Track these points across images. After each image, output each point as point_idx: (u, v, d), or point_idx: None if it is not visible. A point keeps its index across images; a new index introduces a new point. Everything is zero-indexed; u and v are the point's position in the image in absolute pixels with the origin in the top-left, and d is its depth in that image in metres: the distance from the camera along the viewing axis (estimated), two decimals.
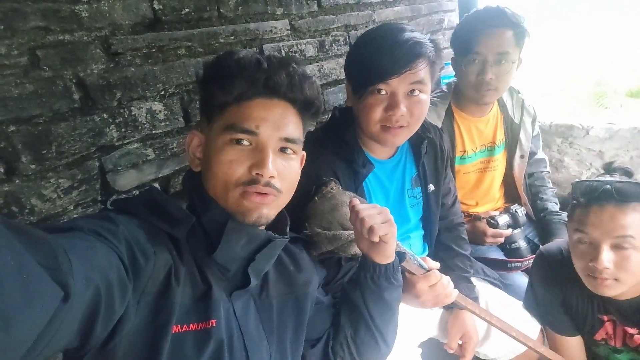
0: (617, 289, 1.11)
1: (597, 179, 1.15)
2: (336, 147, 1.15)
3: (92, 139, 1.06)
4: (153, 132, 1.19)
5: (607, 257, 1.07)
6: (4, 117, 0.91)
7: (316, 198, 1.03)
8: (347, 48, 1.87)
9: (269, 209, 0.77)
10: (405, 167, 1.29)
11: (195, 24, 1.26)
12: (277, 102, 0.79)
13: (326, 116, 1.62)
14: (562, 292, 1.30)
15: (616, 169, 1.21)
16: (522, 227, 1.65)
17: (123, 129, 1.12)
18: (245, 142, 0.75)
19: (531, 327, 1.35)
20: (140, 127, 1.16)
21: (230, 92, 0.76)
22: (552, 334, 1.35)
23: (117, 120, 1.10)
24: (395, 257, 0.93)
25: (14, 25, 0.91)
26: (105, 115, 1.08)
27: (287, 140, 0.78)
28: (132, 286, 0.62)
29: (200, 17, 1.27)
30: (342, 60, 1.88)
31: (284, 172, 0.78)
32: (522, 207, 1.67)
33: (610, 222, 1.06)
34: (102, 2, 1.05)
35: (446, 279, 1.08)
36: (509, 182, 1.81)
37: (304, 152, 0.89)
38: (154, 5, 1.16)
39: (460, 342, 1.31)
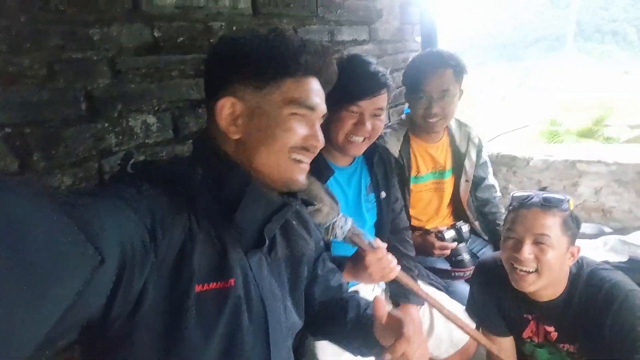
0: (536, 284, 1.32)
1: (529, 191, 1.40)
2: None
3: (94, 143, 1.22)
4: (146, 141, 1.36)
5: (528, 249, 1.30)
6: (22, 119, 1.07)
7: None
8: None
9: (305, 177, 0.88)
10: (361, 175, 1.53)
11: (188, 51, 1.45)
12: (316, 79, 0.87)
13: None
14: (496, 296, 1.51)
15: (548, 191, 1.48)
16: (466, 242, 1.88)
17: (121, 137, 1.28)
18: (302, 115, 0.84)
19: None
20: (135, 136, 1.33)
21: (296, 65, 0.82)
22: (489, 336, 1.54)
23: (116, 129, 1.27)
24: None
25: (37, 42, 1.08)
26: (106, 124, 1.24)
27: (324, 116, 0.90)
28: (153, 250, 0.65)
29: (193, 45, 1.47)
30: None
31: (322, 140, 0.89)
32: (467, 225, 1.90)
33: (533, 221, 1.30)
34: (112, 27, 1.23)
35: (391, 256, 1.27)
36: (456, 203, 2.06)
37: None
38: (155, 33, 1.35)
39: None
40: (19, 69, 1.06)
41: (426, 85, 1.76)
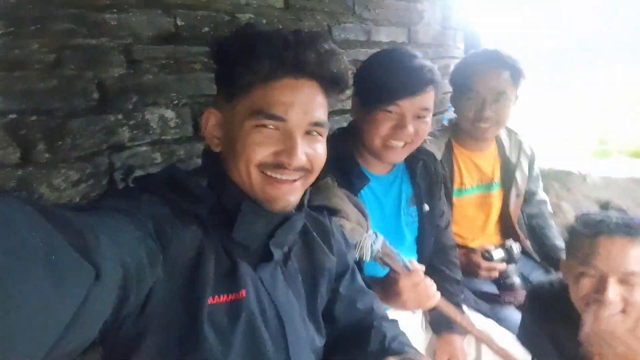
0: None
1: (602, 212, 1.15)
2: (333, 158, 1.19)
3: (104, 136, 1.12)
4: (162, 137, 1.25)
5: (614, 290, 1.04)
6: (27, 107, 0.98)
7: (310, 187, 1.07)
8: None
9: (296, 195, 0.77)
10: (401, 185, 1.33)
11: (211, 42, 1.35)
12: (304, 82, 0.74)
13: None
14: (552, 329, 1.29)
15: (613, 207, 1.24)
16: (516, 263, 1.66)
17: (135, 131, 1.18)
18: (271, 127, 0.72)
19: (522, 355, 1.33)
20: (151, 132, 1.22)
21: (257, 71, 0.71)
22: None
23: (130, 123, 1.17)
24: None
25: (45, 25, 1.00)
26: (119, 116, 1.14)
27: (316, 124, 0.75)
28: (162, 257, 0.62)
29: (218, 37, 1.36)
30: (349, 92, 1.96)
31: (313, 155, 0.76)
32: (517, 244, 1.68)
33: (619, 254, 1.04)
34: (130, 13, 1.14)
35: (430, 281, 1.08)
36: (505, 219, 1.83)
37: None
38: (177, 22, 1.25)
39: None
40: (24, 54, 0.98)
41: (480, 85, 1.55)
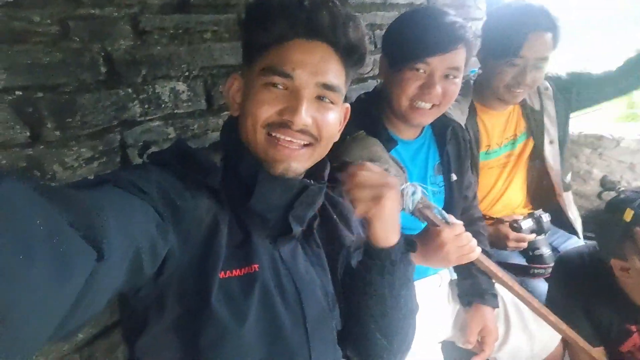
0: None
1: (627, 193, 1.11)
2: (361, 122, 1.13)
3: (115, 112, 1.07)
4: (175, 111, 1.21)
5: None
6: (32, 83, 0.94)
7: (348, 137, 1.04)
8: (371, 47, 1.87)
9: (298, 162, 0.74)
10: (428, 152, 1.27)
11: (223, 10, 1.28)
12: (317, 44, 0.73)
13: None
14: (584, 299, 1.25)
15: (612, 182, 1.17)
16: (546, 234, 1.59)
17: (146, 106, 1.14)
18: (280, 86, 0.71)
19: (552, 334, 1.29)
20: (162, 106, 1.17)
21: (270, 31, 0.72)
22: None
23: (140, 97, 1.12)
24: (397, 244, 0.82)
25: None
26: (129, 90, 1.10)
27: (325, 86, 0.73)
28: (173, 228, 0.61)
29: (228, 3, 1.29)
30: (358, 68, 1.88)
31: (322, 120, 0.74)
32: (547, 214, 1.61)
33: None
34: None
35: (469, 234, 1.03)
36: (540, 178, 1.73)
37: (347, 105, 0.84)
38: None
39: (479, 338, 1.26)
40: (27, 26, 0.92)
41: (525, 49, 1.40)
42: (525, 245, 1.55)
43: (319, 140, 0.75)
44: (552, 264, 1.53)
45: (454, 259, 1.01)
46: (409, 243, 0.95)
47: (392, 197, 0.80)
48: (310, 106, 0.72)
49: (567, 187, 1.76)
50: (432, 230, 1.02)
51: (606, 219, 1.22)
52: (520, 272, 1.55)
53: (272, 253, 0.76)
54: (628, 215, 1.10)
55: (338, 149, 0.98)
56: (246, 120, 0.73)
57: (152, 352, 0.70)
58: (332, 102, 0.75)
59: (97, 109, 1.04)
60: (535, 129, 1.67)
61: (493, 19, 1.56)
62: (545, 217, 1.58)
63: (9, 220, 0.35)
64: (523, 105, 1.66)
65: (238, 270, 0.70)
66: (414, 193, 1.00)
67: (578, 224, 1.79)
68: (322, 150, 0.78)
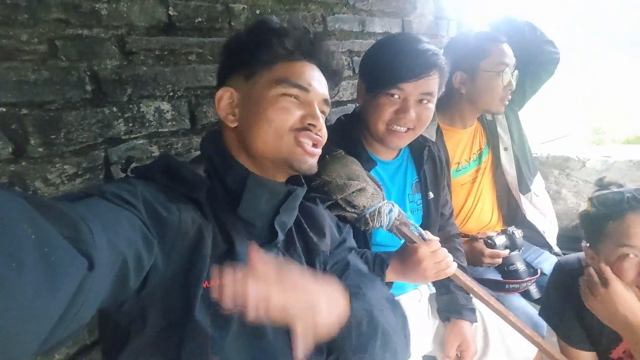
0: None
1: (614, 190, 1.14)
2: (342, 143, 1.18)
3: (100, 130, 1.09)
4: (159, 130, 1.23)
5: None
6: (19, 99, 0.95)
7: (327, 156, 1.08)
8: (350, 72, 1.95)
9: (315, 160, 0.84)
10: (406, 172, 1.32)
11: (207, 33, 1.32)
12: (316, 67, 0.87)
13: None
14: (578, 304, 1.26)
15: (610, 183, 1.22)
16: (519, 250, 1.65)
17: (130, 124, 1.15)
18: (294, 98, 0.81)
19: (530, 347, 1.32)
20: (147, 124, 1.19)
21: (280, 50, 0.82)
22: (566, 347, 1.31)
23: (125, 115, 1.14)
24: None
25: (36, 15, 0.96)
26: (114, 109, 1.12)
27: (326, 102, 0.86)
28: (158, 240, 0.63)
29: (212, 27, 1.34)
30: (344, 83, 1.94)
31: (322, 128, 0.84)
32: (519, 230, 1.67)
33: None
34: (121, 3, 1.11)
35: (445, 250, 1.06)
36: (503, 185, 1.80)
37: None
38: (170, 12, 1.22)
39: (457, 352, 1.28)
40: (15, 44, 0.94)
41: (509, 56, 1.57)
42: (500, 261, 1.60)
43: (320, 138, 0.84)
44: (526, 279, 1.58)
45: (431, 274, 1.03)
46: (382, 261, 0.99)
47: None
48: None
49: (525, 190, 1.82)
50: (410, 247, 1.05)
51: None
52: (496, 288, 1.59)
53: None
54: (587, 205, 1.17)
55: (317, 166, 1.03)
56: (268, 127, 0.79)
57: None
58: (324, 114, 0.87)
59: (83, 127, 1.05)
60: (491, 139, 1.77)
61: (464, 43, 1.67)
62: (518, 234, 1.64)
63: (0, 229, 0.36)
64: (479, 118, 1.76)
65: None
66: (390, 211, 1.04)
67: (549, 235, 1.86)
68: (320, 152, 0.87)
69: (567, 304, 1.29)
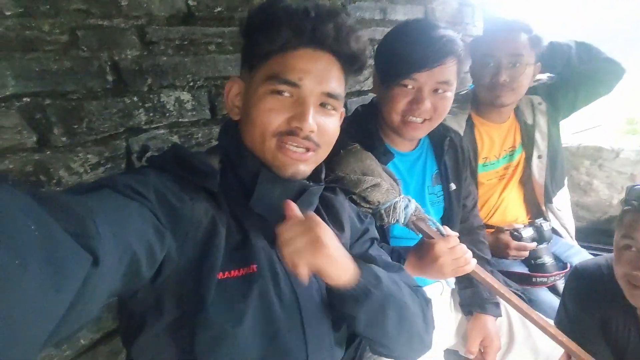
0: None
1: None
2: (359, 135, 1.15)
3: (121, 119, 1.10)
4: (180, 120, 1.23)
5: None
6: (41, 89, 0.96)
7: (342, 151, 1.05)
8: (371, 61, 1.91)
9: (306, 165, 0.77)
10: (426, 163, 1.28)
11: (227, 23, 1.32)
12: (322, 54, 0.76)
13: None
14: (600, 313, 1.19)
15: None
16: (548, 243, 1.59)
17: (151, 114, 1.16)
18: (286, 94, 0.74)
19: (555, 346, 1.27)
20: (167, 114, 1.20)
21: (275, 40, 0.74)
22: None
23: (146, 105, 1.15)
24: (359, 280, 0.73)
25: (58, 5, 0.97)
26: (135, 98, 1.12)
27: (329, 95, 0.76)
28: (170, 230, 0.62)
29: (232, 17, 1.33)
30: (366, 72, 1.91)
31: (324, 127, 0.77)
32: (548, 222, 1.61)
33: None
34: None
35: (464, 246, 1.03)
36: (529, 191, 1.75)
37: (343, 110, 0.86)
38: (189, 2, 1.22)
39: (481, 348, 1.25)
40: (38, 35, 0.96)
41: (495, 49, 1.49)
42: (526, 254, 1.56)
43: (320, 146, 0.78)
44: (554, 273, 1.53)
45: (448, 271, 1.00)
46: (399, 256, 0.95)
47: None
48: (315, 113, 0.75)
49: (548, 199, 1.76)
50: (427, 243, 1.02)
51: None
52: (523, 281, 1.54)
53: (269, 254, 0.76)
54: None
55: (332, 161, 1.00)
56: (253, 128, 0.75)
57: (149, 355, 0.70)
58: (334, 109, 0.79)
59: (104, 116, 1.07)
60: (526, 143, 1.70)
61: (477, 36, 1.63)
62: (546, 226, 1.59)
63: (3, 226, 0.35)
64: (518, 118, 1.69)
65: (237, 271, 0.71)
66: (406, 207, 1.01)
67: (567, 234, 1.80)
68: (323, 154, 0.81)
69: (587, 313, 1.21)
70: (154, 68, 1.16)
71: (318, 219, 0.72)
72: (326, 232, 0.70)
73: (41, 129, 0.97)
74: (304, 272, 0.67)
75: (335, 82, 0.77)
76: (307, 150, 0.76)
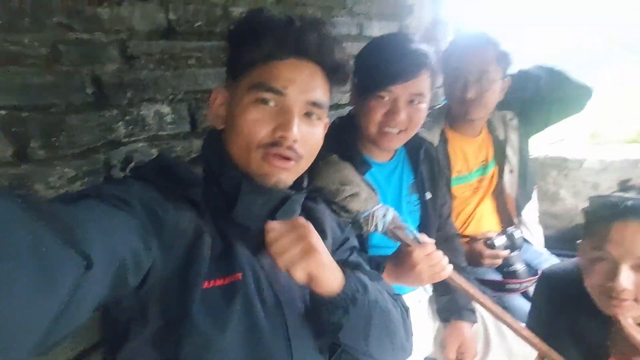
0: (636, 310, 1.02)
1: (617, 194, 1.10)
2: (337, 147, 1.19)
3: (101, 133, 1.10)
4: (160, 133, 1.24)
5: (626, 277, 0.98)
6: (22, 103, 0.96)
7: (320, 162, 1.07)
8: None
9: (288, 174, 0.78)
10: (402, 173, 1.32)
11: (207, 37, 1.34)
12: (306, 63, 0.77)
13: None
14: (570, 318, 1.20)
15: (632, 187, 1.20)
16: (519, 250, 1.66)
17: (131, 127, 1.16)
18: (271, 103, 0.74)
19: (530, 349, 1.32)
20: (147, 127, 1.20)
21: (259, 49, 0.75)
22: None
23: (126, 118, 1.15)
24: (345, 287, 0.74)
25: (40, 19, 0.97)
26: (115, 112, 1.13)
27: (314, 104, 0.77)
28: (156, 239, 0.62)
29: (211, 31, 1.35)
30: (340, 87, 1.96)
31: (307, 137, 0.77)
32: (519, 230, 1.68)
33: (633, 240, 0.98)
34: (122, 8, 1.12)
35: (441, 253, 1.06)
36: (501, 203, 1.82)
37: (327, 120, 0.87)
38: (169, 16, 1.23)
39: (458, 355, 1.28)
40: (19, 48, 0.95)
41: (462, 64, 1.54)
42: (500, 261, 1.61)
43: (302, 157, 0.78)
44: (527, 279, 1.59)
45: (426, 277, 1.04)
46: (377, 264, 0.98)
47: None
48: (300, 123, 0.75)
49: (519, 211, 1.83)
50: (404, 251, 1.05)
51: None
52: (497, 288, 1.60)
53: (252, 263, 0.77)
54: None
55: (311, 172, 1.03)
56: (238, 138, 0.76)
57: None
58: (318, 118, 0.80)
59: (84, 130, 1.06)
60: (499, 157, 1.77)
61: (446, 49, 1.68)
62: (518, 234, 1.65)
63: None
64: (491, 132, 1.76)
65: (222, 280, 0.71)
66: (384, 215, 1.04)
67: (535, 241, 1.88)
68: (305, 165, 0.82)
69: (556, 317, 1.23)
70: (135, 82, 1.16)
71: (309, 225, 0.73)
72: (318, 239, 0.72)
73: (19, 143, 0.97)
74: (301, 279, 0.69)
75: (320, 91, 0.78)
76: (289, 159, 0.76)
